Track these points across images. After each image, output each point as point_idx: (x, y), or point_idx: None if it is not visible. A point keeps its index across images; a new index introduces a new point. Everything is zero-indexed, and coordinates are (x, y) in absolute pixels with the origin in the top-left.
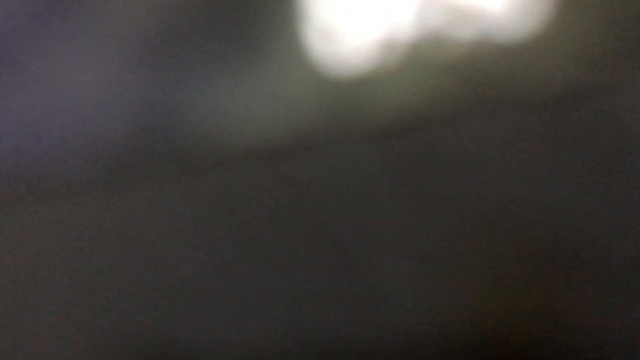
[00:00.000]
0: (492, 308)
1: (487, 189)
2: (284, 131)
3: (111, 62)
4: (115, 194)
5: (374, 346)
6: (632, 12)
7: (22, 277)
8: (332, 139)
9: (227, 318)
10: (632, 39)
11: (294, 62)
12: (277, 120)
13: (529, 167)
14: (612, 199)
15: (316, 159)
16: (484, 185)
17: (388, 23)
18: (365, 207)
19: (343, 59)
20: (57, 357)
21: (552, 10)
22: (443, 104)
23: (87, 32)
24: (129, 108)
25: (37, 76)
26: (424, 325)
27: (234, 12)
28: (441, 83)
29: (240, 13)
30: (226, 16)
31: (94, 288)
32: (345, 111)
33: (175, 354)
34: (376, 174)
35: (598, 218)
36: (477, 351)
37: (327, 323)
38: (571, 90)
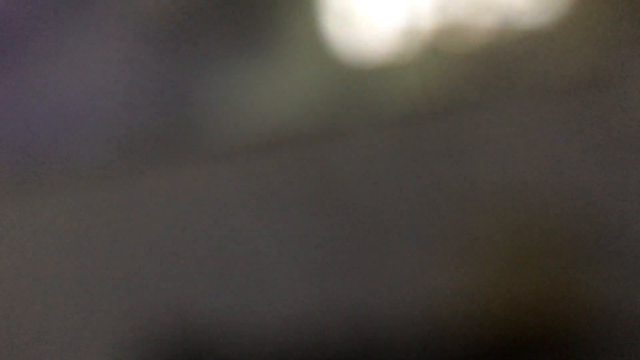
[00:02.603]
0: (511, 285)
1: (504, 174)
2: (307, 118)
3: (130, 53)
4: (138, 178)
5: (390, 316)
6: None
7: (47, 261)
8: (353, 126)
9: (255, 296)
10: None
11: (315, 51)
12: (299, 109)
13: (547, 151)
14: (626, 180)
15: (338, 146)
16: (501, 170)
17: (409, 12)
18: (386, 190)
19: (364, 47)
20: (84, 339)
21: (569, 1)
22: (463, 91)
23: (107, 24)
24: (154, 98)
25: (57, 67)
26: (439, 298)
27: (254, 1)
28: (461, 71)
29: (261, 2)
30: (247, 6)
31: (116, 270)
32: (366, 99)
33: (205, 329)
34: (397, 159)
35: (613, 199)
36: (487, 324)
37: (350, 297)
38: (588, 77)
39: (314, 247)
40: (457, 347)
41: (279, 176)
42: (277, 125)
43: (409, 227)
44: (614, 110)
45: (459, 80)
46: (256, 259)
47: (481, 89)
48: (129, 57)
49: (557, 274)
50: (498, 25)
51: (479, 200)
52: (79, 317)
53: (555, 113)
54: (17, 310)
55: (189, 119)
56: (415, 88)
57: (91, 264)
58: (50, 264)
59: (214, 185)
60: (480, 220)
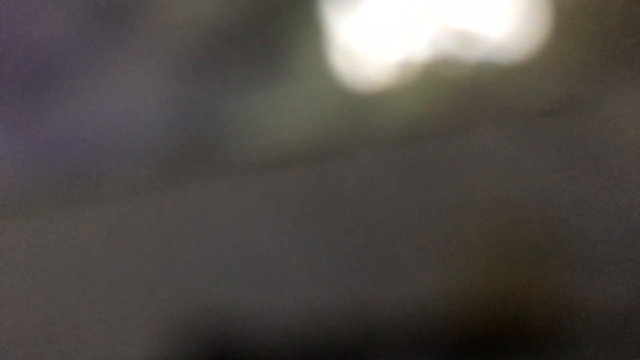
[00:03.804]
0: (496, 284)
1: (489, 187)
2: (315, 138)
3: (163, 77)
4: (167, 190)
5: (389, 312)
6: (615, 33)
7: (88, 264)
8: (356, 144)
9: (271, 293)
10: (616, 57)
11: (324, 78)
12: (309, 129)
13: (526, 168)
14: (596, 193)
15: (343, 162)
16: (487, 184)
17: (403, 45)
18: (385, 201)
19: (366, 76)
20: (121, 333)
21: (544, 34)
22: (452, 115)
23: (143, 51)
24: (181, 116)
25: (97, 87)
26: (435, 294)
27: (267, 34)
28: (450, 97)
29: (273, 35)
30: (260, 38)
31: (150, 272)
32: (368, 121)
33: (228, 322)
34: (394, 174)
35: (587, 211)
36: (476, 318)
37: (354, 295)
38: (562, 102)
39: (324, 251)
40: (448, 338)
41: (292, 187)
42: (289, 144)
43: (406, 234)
44: (587, 131)
45: (449, 104)
46: (272, 261)
47: (468, 113)
48: (162, 81)
49: (537, 275)
50: (482, 56)
51: (468, 211)
52: (116, 313)
53: (535, 134)
54: (61, 306)
55: (212, 137)
56: (410, 111)
57: (127, 267)
58: (91, 267)
59: (235, 196)
60: (469, 228)
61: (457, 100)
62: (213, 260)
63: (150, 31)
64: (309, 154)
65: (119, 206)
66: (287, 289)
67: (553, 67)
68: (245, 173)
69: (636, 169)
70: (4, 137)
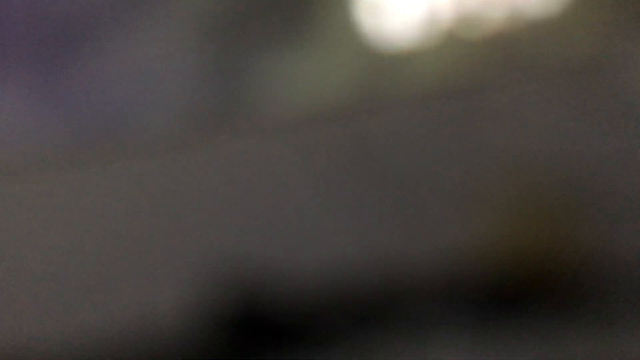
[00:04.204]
0: (521, 238)
1: (518, 141)
2: (345, 95)
3: (193, 34)
4: (201, 147)
5: (416, 264)
6: None
7: (119, 220)
8: (383, 102)
9: (302, 247)
10: None
11: (353, 37)
12: (339, 87)
13: (555, 124)
14: (624, 148)
15: (373, 119)
16: (515, 138)
17: (431, 2)
18: (414, 158)
19: (391, 33)
20: (154, 286)
21: None
22: (480, 72)
23: (172, 7)
24: (210, 75)
25: (128, 45)
26: (464, 248)
27: None
28: (478, 54)
29: None
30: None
31: (182, 227)
32: (393, 79)
33: (260, 275)
34: (422, 131)
35: (615, 166)
36: (500, 270)
37: (382, 248)
38: (591, 58)
39: (353, 207)
40: (477, 292)
41: (322, 144)
42: (318, 101)
43: (435, 189)
44: (617, 86)
45: (477, 61)
46: (302, 216)
47: (497, 69)
48: (192, 40)
49: (565, 229)
50: (510, 12)
51: (497, 166)
52: (146, 267)
53: (563, 90)
54: (93, 259)
55: (243, 95)
56: (438, 68)
57: (158, 222)
58: (122, 222)
59: (266, 153)
60: (498, 183)
61: (485, 57)
62: (243, 216)
63: None
64: (338, 112)
65: (150, 162)
66: (316, 244)
67: (582, 23)
68: (276, 130)
69: None
70: (39, 94)
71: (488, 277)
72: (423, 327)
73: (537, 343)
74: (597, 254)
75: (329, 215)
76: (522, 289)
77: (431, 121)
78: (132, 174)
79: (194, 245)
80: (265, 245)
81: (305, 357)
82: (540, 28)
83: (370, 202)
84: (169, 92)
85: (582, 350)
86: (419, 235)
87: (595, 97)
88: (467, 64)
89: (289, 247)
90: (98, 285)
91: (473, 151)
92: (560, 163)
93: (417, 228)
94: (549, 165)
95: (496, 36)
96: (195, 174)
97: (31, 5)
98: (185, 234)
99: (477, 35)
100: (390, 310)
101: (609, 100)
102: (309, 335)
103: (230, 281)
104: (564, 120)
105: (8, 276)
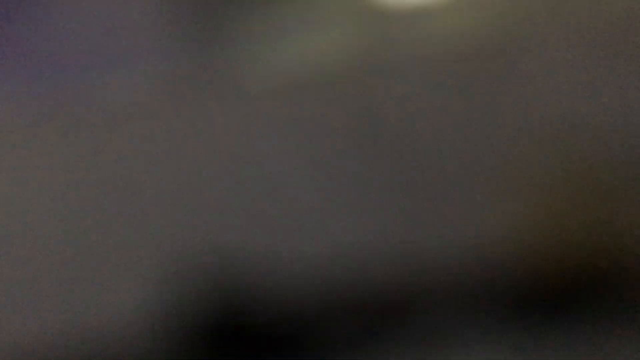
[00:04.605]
0: (562, 222)
1: (548, 107)
2: (352, 57)
3: None
4: (182, 115)
5: (434, 253)
6: None
7: (91, 194)
8: (389, 65)
9: (296, 231)
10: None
11: None
12: (345, 48)
13: (593, 85)
14: None
15: (382, 82)
16: (545, 103)
17: None
18: (430, 126)
19: None
20: (126, 271)
21: None
22: (498, 32)
23: None
24: (203, 36)
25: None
26: (493, 234)
27: None
28: (491, 14)
29: None
30: None
31: (157, 205)
32: (406, 39)
33: (244, 264)
34: (439, 96)
35: None
36: (537, 262)
37: (392, 232)
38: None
39: (361, 184)
40: (505, 286)
41: (323, 114)
42: (326, 63)
43: (453, 162)
44: None
45: (492, 21)
46: (299, 200)
47: (517, 28)
48: None
49: (608, 211)
50: None
51: (525, 137)
52: (108, 260)
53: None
54: (60, 245)
55: (231, 59)
56: (453, 28)
57: (125, 204)
58: (83, 204)
59: (256, 123)
60: (527, 155)
61: (500, 17)
62: (226, 198)
63: None
64: (345, 75)
65: (118, 132)
66: (313, 233)
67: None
68: (267, 97)
69: None
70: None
71: (518, 272)
72: (441, 333)
73: (576, 348)
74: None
75: (329, 198)
76: (558, 286)
77: (450, 86)
78: (98, 145)
79: (164, 233)
80: (251, 235)
81: None
82: None
83: (378, 183)
84: (143, 52)
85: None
86: (436, 223)
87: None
88: (484, 24)
89: (280, 236)
90: (70, 279)
91: (501, 121)
92: (601, 133)
93: (434, 214)
94: (589, 136)
95: None
96: (168, 146)
97: None
98: (154, 219)
99: None
100: (402, 314)
101: None
102: (304, 345)
103: (207, 278)
104: (607, 82)
105: None
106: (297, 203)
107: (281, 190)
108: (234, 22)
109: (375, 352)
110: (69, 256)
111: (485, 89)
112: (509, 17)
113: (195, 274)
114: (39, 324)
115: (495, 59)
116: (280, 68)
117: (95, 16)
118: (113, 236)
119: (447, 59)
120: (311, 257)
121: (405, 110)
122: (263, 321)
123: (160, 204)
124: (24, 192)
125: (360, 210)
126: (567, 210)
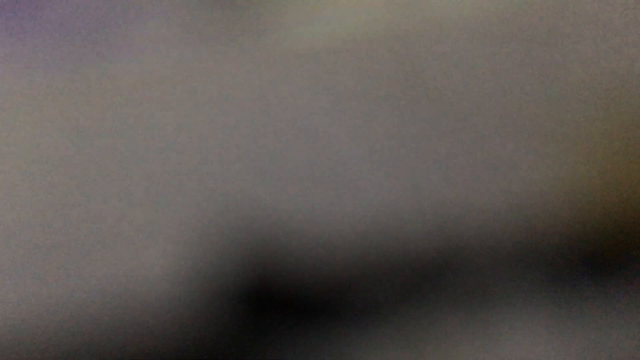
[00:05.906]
0: (612, 182)
1: (601, 63)
2: (396, 16)
3: None
4: (216, 66)
5: (479, 216)
6: None
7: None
8: (431, 22)
9: (336, 194)
10: None
11: None
12: (385, 8)
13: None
14: None
15: (429, 42)
16: (597, 60)
17: None
18: (475, 85)
19: None
20: (153, 230)
21: None
22: None
23: None
24: None
25: None
26: (537, 196)
27: None
28: None
29: None
30: None
31: (189, 163)
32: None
33: (280, 227)
34: (485, 54)
35: None
36: (585, 223)
37: (436, 194)
38: None
39: (396, 141)
40: (551, 249)
41: (365, 73)
42: (367, 24)
43: (496, 120)
44: None
45: None
46: (335, 156)
47: None
48: None
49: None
50: None
51: (574, 92)
52: (147, 212)
53: None
54: (84, 207)
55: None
56: None
57: (146, 157)
58: (99, 157)
59: (295, 80)
60: (578, 112)
61: None
62: (257, 153)
63: None
64: (386, 35)
65: (158, 87)
66: (350, 190)
67: None
68: (310, 56)
69: None
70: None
71: (572, 233)
72: (487, 299)
73: (624, 314)
74: None
75: (367, 157)
76: (618, 250)
77: (494, 44)
78: (127, 103)
79: (195, 193)
80: (285, 195)
81: (334, 337)
82: None
83: (419, 141)
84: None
85: None
86: (482, 182)
87: None
88: None
89: (315, 197)
90: (88, 239)
91: (549, 76)
92: None
93: (480, 172)
94: None
95: None
96: (203, 101)
97: None
98: (184, 179)
99: None
100: (446, 278)
101: None
102: (339, 310)
103: (237, 238)
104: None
105: None
106: (333, 162)
107: (317, 150)
108: None
109: (415, 316)
110: (92, 219)
111: (531, 45)
112: None
113: (226, 235)
114: (63, 288)
115: (542, 16)
116: (318, 26)
117: None
118: (140, 196)
119: (491, 17)
120: (348, 218)
121: (447, 67)
122: (296, 283)
123: (190, 163)
124: (46, 150)
125: (400, 170)
126: (620, 169)
